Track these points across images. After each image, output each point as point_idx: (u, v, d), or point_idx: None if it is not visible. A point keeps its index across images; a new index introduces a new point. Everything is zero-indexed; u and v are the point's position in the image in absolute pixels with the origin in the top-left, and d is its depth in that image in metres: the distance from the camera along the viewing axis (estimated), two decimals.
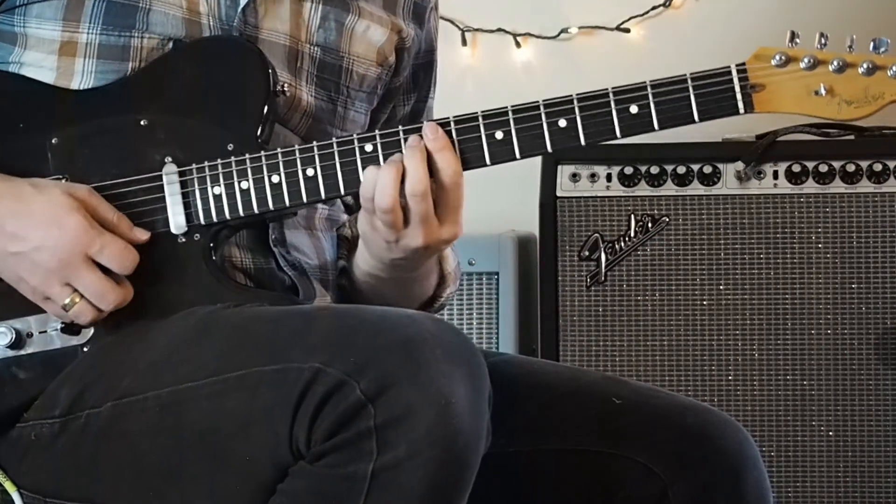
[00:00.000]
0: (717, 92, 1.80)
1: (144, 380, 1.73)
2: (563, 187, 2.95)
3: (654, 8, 3.53)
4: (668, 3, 3.52)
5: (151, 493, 1.72)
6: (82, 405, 1.76)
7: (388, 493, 1.57)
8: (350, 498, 1.58)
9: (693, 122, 1.81)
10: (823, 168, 2.90)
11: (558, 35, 3.57)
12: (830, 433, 2.89)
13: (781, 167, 2.91)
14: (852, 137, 2.98)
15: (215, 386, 1.67)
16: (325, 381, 1.59)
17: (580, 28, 3.56)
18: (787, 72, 1.80)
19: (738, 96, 1.80)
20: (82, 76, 1.86)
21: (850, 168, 2.89)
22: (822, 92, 1.78)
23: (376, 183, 1.78)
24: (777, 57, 1.80)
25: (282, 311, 1.76)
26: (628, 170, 2.94)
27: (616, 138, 1.80)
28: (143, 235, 1.81)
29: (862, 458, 2.88)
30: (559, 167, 2.95)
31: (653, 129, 1.81)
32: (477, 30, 3.52)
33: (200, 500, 1.69)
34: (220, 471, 1.67)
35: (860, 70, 1.78)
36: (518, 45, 3.55)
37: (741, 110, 1.80)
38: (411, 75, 2.09)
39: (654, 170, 2.93)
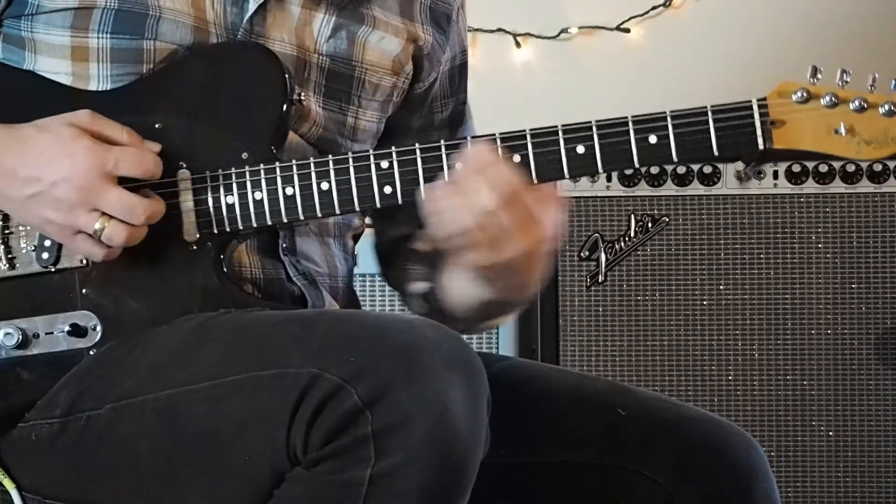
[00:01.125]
0: (738, 126, 1.77)
1: (143, 383, 1.72)
2: (563, 187, 2.95)
3: (654, 8, 3.53)
4: (668, 3, 3.52)
5: (149, 496, 1.71)
6: (81, 406, 1.76)
7: (384, 499, 1.57)
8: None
9: (711, 155, 1.78)
10: (823, 168, 2.90)
11: (558, 35, 3.57)
12: (830, 433, 2.89)
13: (781, 167, 2.91)
14: None
15: (213, 390, 1.66)
16: (322, 386, 1.58)
17: (580, 28, 3.56)
18: (808, 109, 1.77)
19: (759, 132, 1.77)
20: (98, 80, 1.85)
21: (850, 168, 2.89)
22: (843, 131, 1.77)
23: (445, 211, 1.75)
24: (798, 93, 1.77)
25: (280, 316, 1.75)
26: (628, 170, 2.94)
27: (634, 167, 1.77)
28: (154, 146, 1.79)
29: (862, 458, 2.88)
30: None
31: (671, 162, 1.78)
32: (477, 30, 3.52)
33: (198, 503, 1.69)
34: (217, 474, 1.67)
35: (881, 111, 1.76)
36: (518, 45, 3.55)
37: (761, 146, 1.77)
38: (447, 79, 2.07)
39: (654, 170, 2.93)
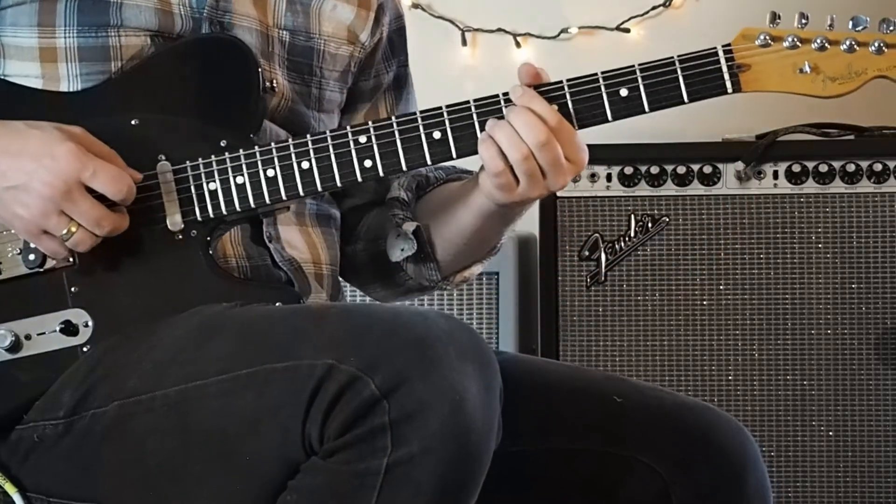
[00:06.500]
0: (705, 73, 1.84)
1: (151, 379, 1.73)
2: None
3: (654, 8, 3.54)
4: (668, 3, 3.53)
5: (156, 493, 1.72)
6: (87, 406, 1.76)
7: (400, 488, 1.58)
8: (363, 493, 1.59)
9: (683, 102, 1.85)
10: (823, 168, 2.90)
11: (558, 35, 3.57)
12: (830, 433, 2.89)
13: (781, 167, 2.91)
14: (852, 137, 2.98)
15: (224, 384, 1.67)
16: (338, 377, 1.59)
17: (580, 28, 3.57)
18: (772, 51, 1.84)
19: (726, 76, 1.84)
20: (69, 81, 1.87)
21: (850, 168, 2.89)
22: (807, 70, 1.83)
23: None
24: (761, 37, 1.84)
25: (290, 310, 1.77)
26: (628, 170, 2.94)
27: (608, 121, 1.84)
28: (136, 174, 1.81)
29: (862, 458, 2.88)
30: None
31: (643, 112, 1.85)
32: (477, 30, 3.52)
33: (206, 499, 1.70)
34: (226, 469, 1.67)
35: (842, 47, 1.82)
36: (518, 45, 3.55)
37: (729, 90, 1.84)
38: (387, 42, 2.11)
39: (654, 170, 2.93)
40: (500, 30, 3.55)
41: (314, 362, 1.61)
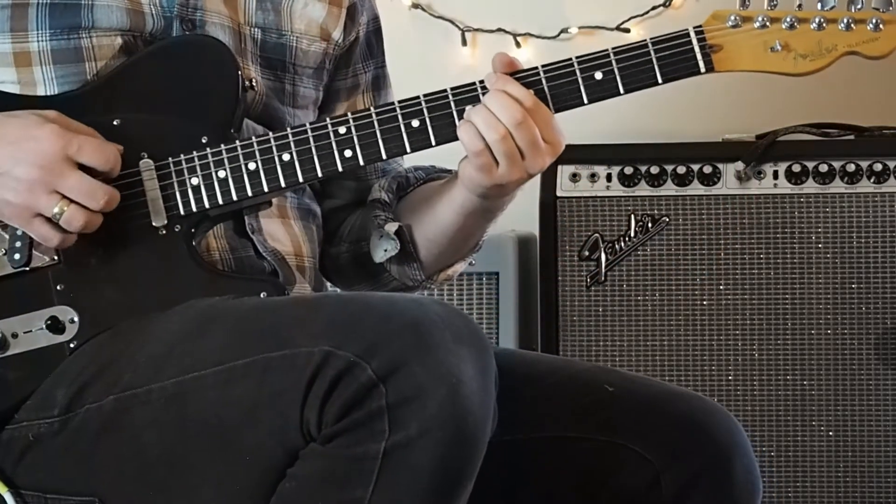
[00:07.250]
0: (678, 54, 1.88)
1: (147, 373, 1.74)
2: (564, 187, 2.95)
3: (654, 8, 3.53)
4: (668, 3, 3.52)
5: (155, 485, 1.73)
6: (82, 402, 1.77)
7: (399, 471, 1.59)
8: (362, 477, 1.60)
9: (657, 84, 1.88)
10: (823, 168, 2.90)
11: (558, 35, 3.57)
12: (830, 433, 2.89)
13: (781, 167, 2.91)
14: (852, 137, 2.99)
15: (221, 375, 1.68)
16: (335, 363, 1.60)
17: (580, 28, 3.56)
18: (743, 31, 1.88)
19: (699, 57, 1.88)
20: (45, 84, 1.88)
21: (850, 168, 2.89)
22: (778, 48, 1.87)
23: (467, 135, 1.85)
24: (732, 18, 1.88)
25: (284, 300, 1.79)
26: (628, 170, 2.94)
27: (584, 104, 1.88)
28: (118, 146, 1.82)
29: (862, 458, 2.88)
30: (559, 167, 2.95)
31: (618, 94, 1.88)
32: (477, 30, 3.52)
33: (206, 490, 1.70)
34: (226, 459, 1.68)
35: (812, 25, 1.87)
36: (518, 45, 3.55)
37: (702, 69, 1.88)
38: (365, 42, 2.13)
39: (654, 170, 2.93)
40: (500, 30, 3.55)
41: (311, 349, 1.62)
